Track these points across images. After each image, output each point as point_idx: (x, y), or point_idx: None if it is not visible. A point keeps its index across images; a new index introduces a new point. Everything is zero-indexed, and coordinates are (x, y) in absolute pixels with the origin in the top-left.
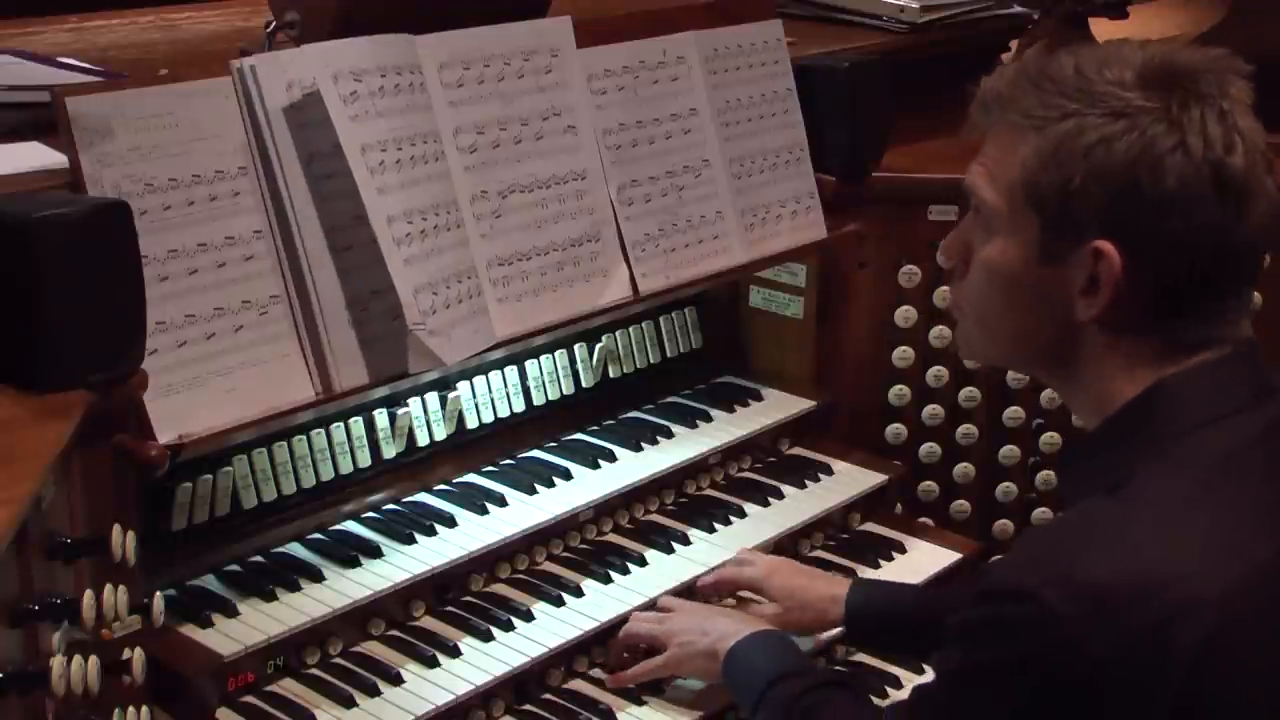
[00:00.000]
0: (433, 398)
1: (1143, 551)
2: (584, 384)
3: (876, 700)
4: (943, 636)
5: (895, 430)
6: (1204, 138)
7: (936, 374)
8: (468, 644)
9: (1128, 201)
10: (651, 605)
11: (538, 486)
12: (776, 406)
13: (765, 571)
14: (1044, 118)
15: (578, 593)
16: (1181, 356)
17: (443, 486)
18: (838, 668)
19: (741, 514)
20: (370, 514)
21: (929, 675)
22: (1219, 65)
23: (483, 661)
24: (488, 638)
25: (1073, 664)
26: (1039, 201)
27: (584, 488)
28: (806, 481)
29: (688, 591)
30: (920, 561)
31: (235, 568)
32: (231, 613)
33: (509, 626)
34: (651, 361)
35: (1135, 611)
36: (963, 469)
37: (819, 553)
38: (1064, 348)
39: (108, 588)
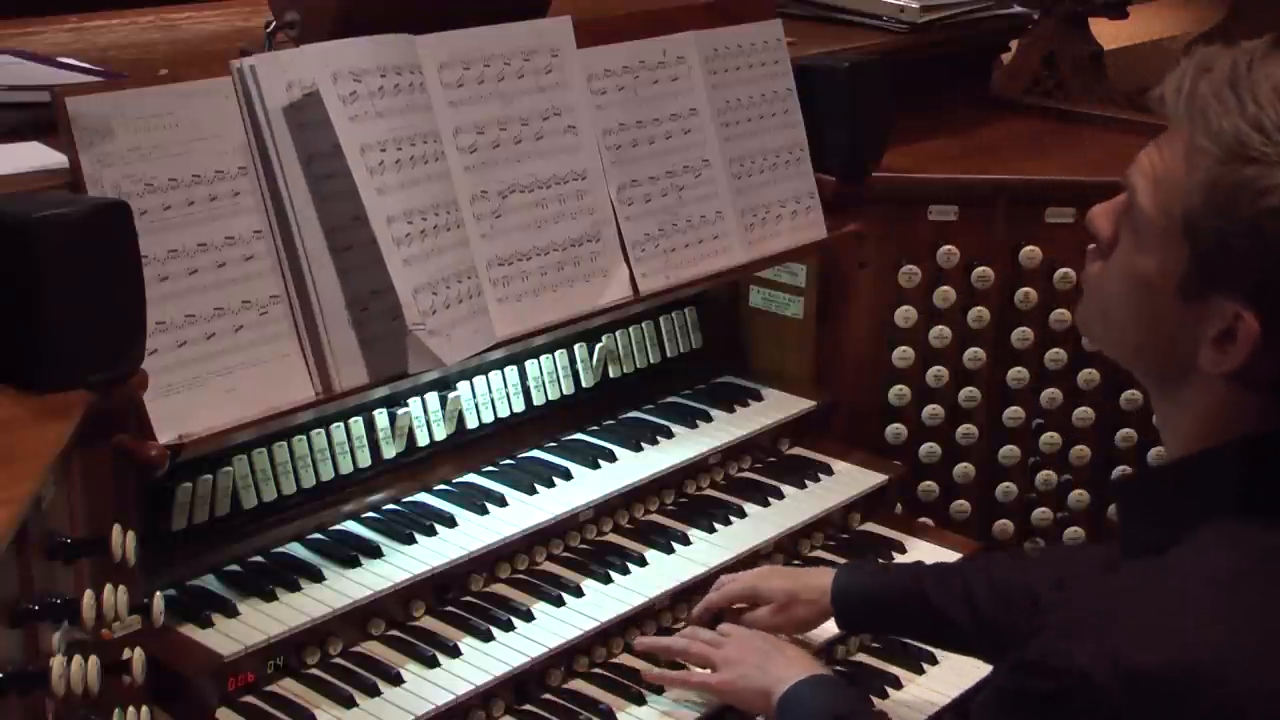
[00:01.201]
0: (433, 398)
1: (1199, 639)
2: (584, 384)
3: (877, 700)
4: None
5: (895, 430)
6: None
7: (936, 374)
8: (468, 644)
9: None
10: (652, 606)
11: (538, 486)
12: (776, 406)
13: (754, 579)
14: (1229, 151)
15: (578, 593)
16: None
17: (443, 486)
18: (838, 667)
19: (741, 514)
20: (370, 514)
21: (928, 675)
22: None
23: (483, 661)
24: (488, 638)
25: None
26: (1195, 238)
27: (584, 488)
28: (806, 481)
29: (687, 593)
30: (921, 561)
31: (235, 568)
32: (231, 613)
33: (509, 626)
34: (651, 361)
35: (1188, 704)
36: (963, 469)
37: (819, 553)
38: (1178, 376)
39: (108, 588)
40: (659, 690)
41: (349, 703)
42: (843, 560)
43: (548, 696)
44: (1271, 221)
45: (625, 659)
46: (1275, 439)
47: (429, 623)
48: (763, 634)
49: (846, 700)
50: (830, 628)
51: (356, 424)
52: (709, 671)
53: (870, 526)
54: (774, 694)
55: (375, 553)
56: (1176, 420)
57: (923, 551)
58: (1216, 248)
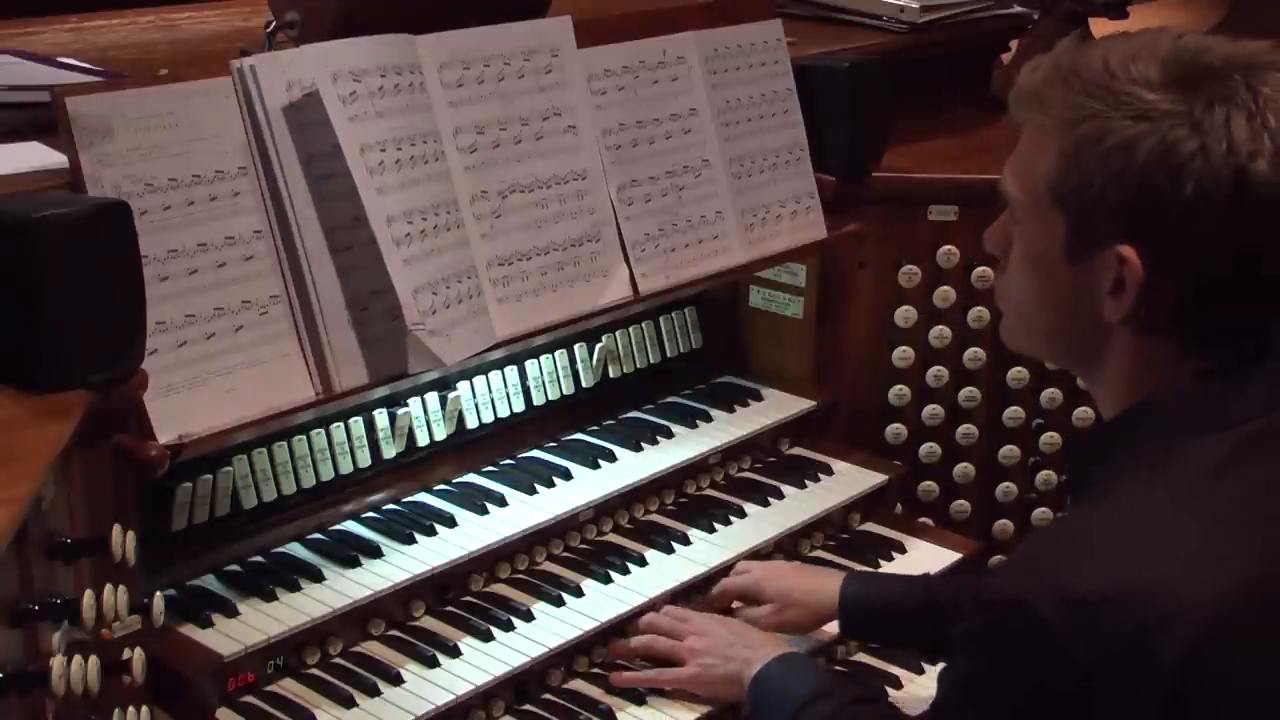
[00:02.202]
0: (433, 398)
1: (1129, 560)
2: (584, 384)
3: None
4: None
5: (895, 430)
6: (1227, 142)
7: (936, 374)
8: (468, 644)
9: (1147, 207)
10: (652, 606)
11: (538, 486)
12: (776, 406)
13: (759, 576)
14: (1068, 119)
15: (578, 593)
16: (1201, 364)
17: (443, 486)
18: (838, 667)
19: (741, 514)
20: (370, 514)
21: (928, 675)
22: (1257, 60)
23: (483, 661)
24: (488, 638)
25: (1062, 671)
26: (1063, 202)
27: (584, 488)
28: (806, 481)
29: (687, 593)
30: (920, 562)
31: (235, 568)
32: (231, 613)
33: (509, 626)
34: (651, 361)
35: (1120, 620)
36: (963, 469)
37: (819, 553)
38: (1094, 345)
39: (108, 588)
40: (660, 690)
41: (349, 703)
42: (843, 560)
43: (548, 696)
44: (1115, 158)
45: (625, 659)
46: (1198, 381)
47: (429, 623)
48: (723, 619)
49: (820, 677)
50: (832, 628)
51: (356, 424)
52: (678, 669)
53: (870, 526)
54: (744, 678)
55: (375, 553)
56: (1104, 387)
57: (923, 551)
58: (1080, 201)
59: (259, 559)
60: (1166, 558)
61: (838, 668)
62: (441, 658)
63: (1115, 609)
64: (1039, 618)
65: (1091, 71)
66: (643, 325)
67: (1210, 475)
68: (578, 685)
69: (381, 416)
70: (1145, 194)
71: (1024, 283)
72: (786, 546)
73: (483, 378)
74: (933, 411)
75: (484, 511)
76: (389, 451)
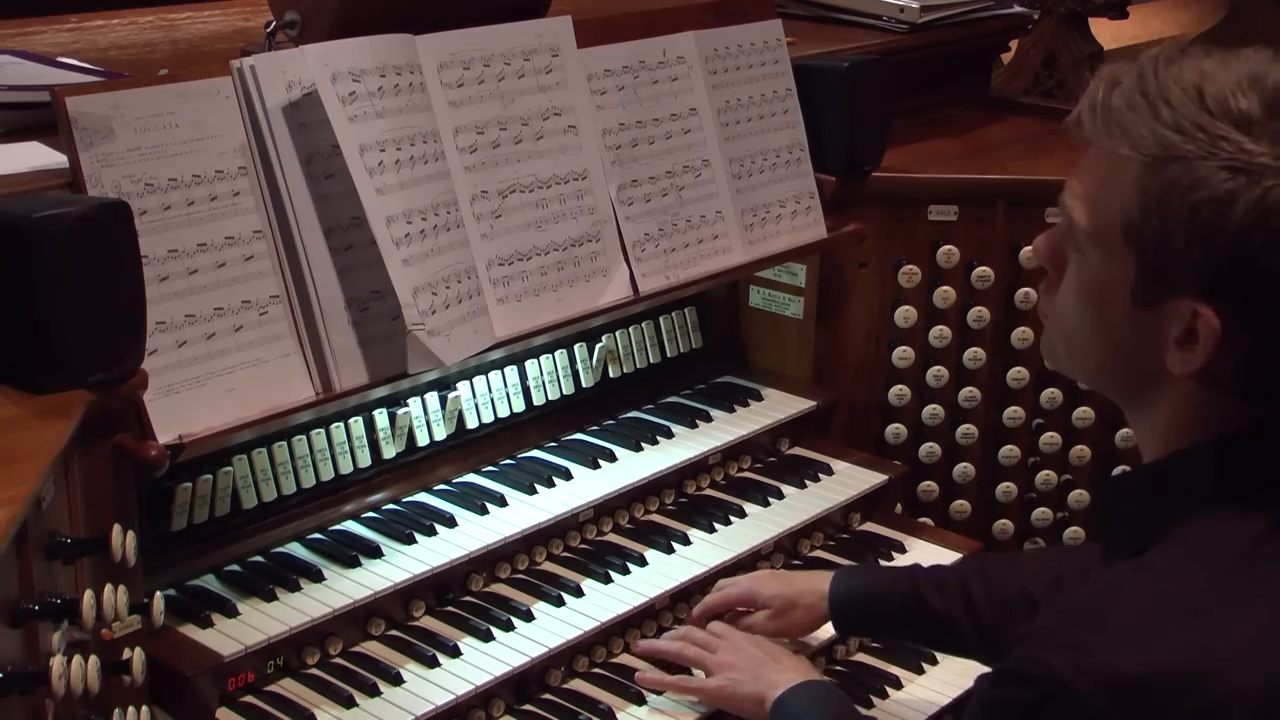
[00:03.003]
0: (433, 398)
1: (1177, 641)
2: (584, 384)
3: (877, 700)
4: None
5: (895, 430)
6: None
7: (936, 374)
8: (468, 644)
9: (1235, 270)
10: (652, 606)
11: (538, 486)
12: (776, 406)
13: (750, 585)
14: (1153, 156)
15: (578, 593)
16: (1253, 414)
17: (443, 486)
18: (838, 668)
19: (741, 514)
20: (370, 514)
21: (928, 675)
22: None
23: (483, 661)
24: (488, 638)
25: None
26: (1138, 245)
27: (584, 488)
28: (806, 481)
29: (687, 593)
30: (920, 561)
31: (235, 568)
32: (231, 613)
33: (509, 626)
34: (651, 361)
35: (1171, 708)
36: (963, 469)
37: (819, 553)
38: (1147, 387)
39: (108, 588)
40: (658, 690)
41: (349, 703)
42: (843, 560)
43: (548, 696)
44: (1205, 213)
45: (625, 659)
46: (1245, 438)
47: (429, 623)
48: (757, 639)
49: (838, 708)
50: (830, 628)
51: (356, 424)
52: (703, 676)
53: (870, 526)
54: (767, 700)
55: (375, 553)
56: (1149, 427)
57: (923, 551)
58: (1160, 251)
59: (259, 559)
60: (1214, 640)
61: (838, 668)
62: (441, 658)
63: (1164, 695)
64: (1085, 702)
65: (1184, 102)
66: (643, 325)
67: (1251, 546)
68: (578, 685)
69: (381, 416)
70: (1235, 256)
71: (1078, 311)
72: (786, 546)
73: (483, 378)
74: (933, 411)
75: (484, 511)
76: (389, 451)
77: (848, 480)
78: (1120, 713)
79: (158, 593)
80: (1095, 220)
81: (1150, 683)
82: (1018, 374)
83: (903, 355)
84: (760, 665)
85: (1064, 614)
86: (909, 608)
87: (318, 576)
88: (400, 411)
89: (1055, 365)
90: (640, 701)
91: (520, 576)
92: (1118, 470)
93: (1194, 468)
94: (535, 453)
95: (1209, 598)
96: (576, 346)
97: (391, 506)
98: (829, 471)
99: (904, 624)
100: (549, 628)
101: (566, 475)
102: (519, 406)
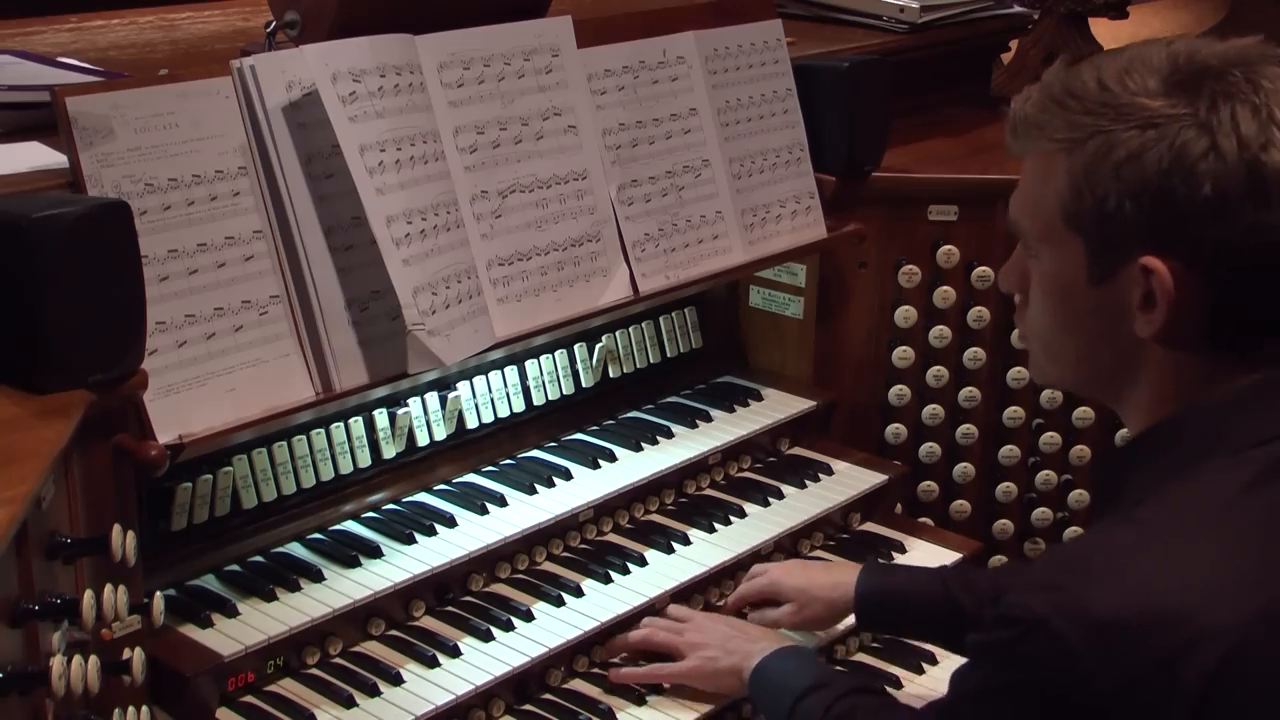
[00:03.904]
0: (433, 398)
1: (1153, 582)
2: (584, 384)
3: None
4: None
5: (895, 430)
6: (1237, 137)
7: (936, 374)
8: (468, 644)
9: (1166, 214)
10: (652, 605)
11: (538, 486)
12: (776, 406)
13: (776, 576)
14: (1071, 139)
15: (578, 593)
16: (1233, 378)
17: (443, 486)
18: (839, 668)
19: (741, 514)
20: (370, 514)
21: (928, 675)
22: (1251, 55)
23: (483, 661)
24: (488, 638)
25: (1083, 694)
26: (1079, 224)
27: (584, 488)
28: (806, 481)
29: (687, 593)
30: (920, 561)
31: (235, 568)
32: (231, 613)
33: (509, 626)
34: (651, 361)
35: (1144, 644)
36: (963, 469)
37: (819, 553)
38: (1126, 367)
39: (108, 588)
40: (660, 689)
41: (349, 703)
42: (842, 561)
43: (548, 696)
44: (1127, 171)
45: (625, 659)
46: (1227, 397)
47: (429, 623)
48: (723, 616)
49: (817, 667)
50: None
51: (356, 424)
52: (676, 664)
53: (870, 526)
54: (744, 670)
55: (375, 553)
56: (1135, 409)
57: (923, 551)
58: (1098, 222)
59: (259, 559)
60: (1190, 581)
61: (838, 668)
62: (441, 658)
63: (1138, 633)
64: (1061, 639)
65: (1087, 91)
66: (643, 325)
67: (1237, 495)
68: (578, 685)
69: (381, 416)
70: (1163, 201)
71: (1047, 313)
72: (786, 546)
73: (483, 378)
74: (933, 411)
75: (484, 511)
76: (389, 451)
77: (848, 480)
78: (1096, 649)
79: (158, 593)
80: (1038, 219)
81: (1125, 621)
82: (1018, 374)
83: (903, 355)
84: (730, 639)
85: (1049, 563)
86: (939, 609)
87: (318, 576)
88: (400, 411)
89: (1043, 380)
90: (641, 701)
91: (520, 576)
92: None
93: (1179, 429)
94: (535, 453)
95: (1188, 542)
96: (576, 346)
97: (391, 506)
98: (829, 471)
99: (932, 625)
100: (549, 628)
101: (566, 475)
102: (519, 406)
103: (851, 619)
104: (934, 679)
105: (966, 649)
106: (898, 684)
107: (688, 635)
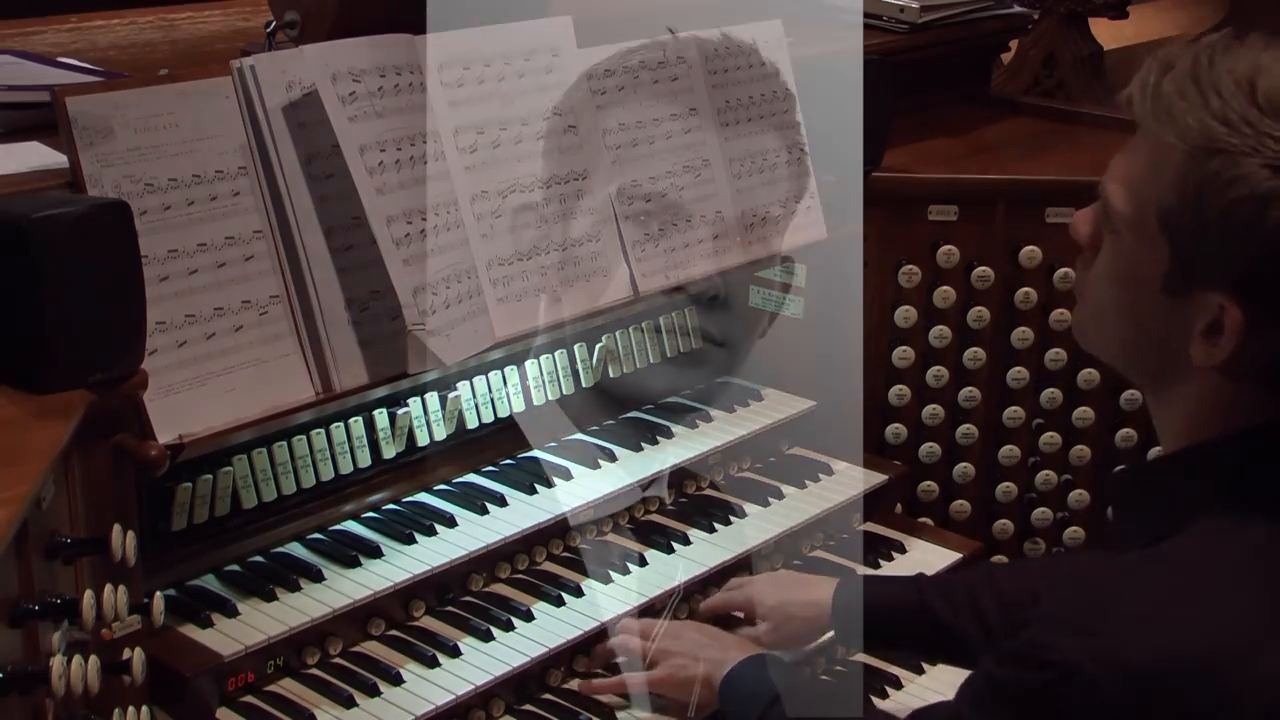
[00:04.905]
0: (433, 398)
1: (1191, 629)
2: (584, 384)
3: (876, 700)
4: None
5: (895, 430)
6: None
7: (936, 374)
8: (468, 644)
9: (1266, 271)
10: (652, 606)
11: (537, 486)
12: (776, 406)
13: (751, 593)
14: (1197, 146)
15: (578, 593)
16: (1274, 408)
17: (443, 486)
18: (839, 668)
19: (741, 514)
20: (370, 514)
21: (928, 675)
22: None
23: (483, 661)
24: (488, 638)
25: None
26: (1172, 235)
27: (584, 487)
28: (806, 481)
29: (687, 593)
30: (920, 562)
31: (235, 568)
32: (231, 613)
33: (509, 626)
34: (651, 361)
35: (1184, 694)
36: (963, 469)
37: (819, 553)
38: (1172, 377)
39: (108, 588)
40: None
41: (349, 703)
42: (843, 561)
43: (548, 696)
44: (1242, 211)
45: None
46: (1267, 431)
47: (429, 623)
48: (695, 624)
49: (788, 677)
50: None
51: (356, 424)
52: (648, 672)
53: (870, 526)
54: (715, 679)
55: (375, 553)
56: (1171, 416)
57: (923, 551)
58: (1194, 242)
59: (259, 559)
60: (1230, 627)
61: (838, 668)
62: (441, 658)
63: (1178, 682)
64: (1098, 689)
65: (1235, 95)
66: (643, 325)
67: (1266, 542)
68: (578, 685)
69: (381, 416)
70: (1266, 259)
71: (1109, 292)
72: (786, 546)
73: (483, 378)
74: (933, 411)
75: (484, 511)
76: (389, 451)
77: (848, 480)
78: (1129, 701)
79: (158, 593)
80: (1133, 205)
81: (1160, 673)
82: (1018, 374)
83: (903, 355)
84: (701, 648)
85: (1076, 599)
86: (916, 620)
87: (318, 576)
88: (400, 411)
89: (1084, 341)
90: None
91: (520, 576)
92: (1119, 469)
93: (1215, 460)
94: (535, 453)
95: (1224, 589)
96: (576, 346)
97: (391, 506)
98: (829, 471)
99: (910, 636)
100: (549, 628)
101: (566, 475)
102: (519, 406)
103: (831, 634)
104: (934, 679)
105: (981, 677)
106: (898, 684)
107: (660, 643)
